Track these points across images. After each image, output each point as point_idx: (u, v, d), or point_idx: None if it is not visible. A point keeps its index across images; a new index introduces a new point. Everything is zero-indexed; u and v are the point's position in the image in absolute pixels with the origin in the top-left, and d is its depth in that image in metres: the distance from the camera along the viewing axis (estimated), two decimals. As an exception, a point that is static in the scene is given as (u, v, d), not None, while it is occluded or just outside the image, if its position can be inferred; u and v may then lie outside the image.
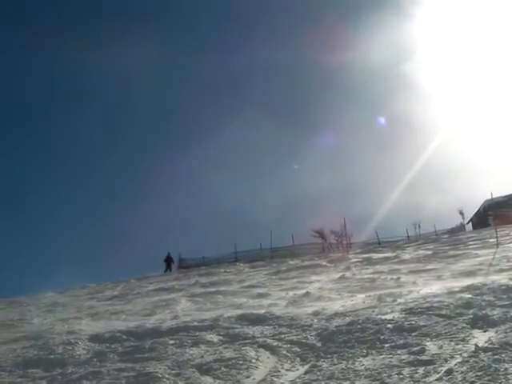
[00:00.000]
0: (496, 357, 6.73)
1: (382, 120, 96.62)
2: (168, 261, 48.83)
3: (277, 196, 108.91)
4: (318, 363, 7.84)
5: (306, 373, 7.52)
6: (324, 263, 23.01)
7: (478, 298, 10.40)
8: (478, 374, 6.26)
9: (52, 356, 9.86)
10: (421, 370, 6.77)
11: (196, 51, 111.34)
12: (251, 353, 8.66)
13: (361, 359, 7.68)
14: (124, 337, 10.95)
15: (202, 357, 8.78)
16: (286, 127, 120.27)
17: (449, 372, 6.53)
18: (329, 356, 8.14)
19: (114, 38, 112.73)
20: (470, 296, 10.73)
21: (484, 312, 9.23)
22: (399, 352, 7.73)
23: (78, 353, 9.98)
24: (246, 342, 9.51)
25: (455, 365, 6.76)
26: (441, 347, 7.68)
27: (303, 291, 15.14)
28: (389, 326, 9.19)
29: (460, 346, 7.59)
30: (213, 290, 18.03)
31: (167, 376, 7.76)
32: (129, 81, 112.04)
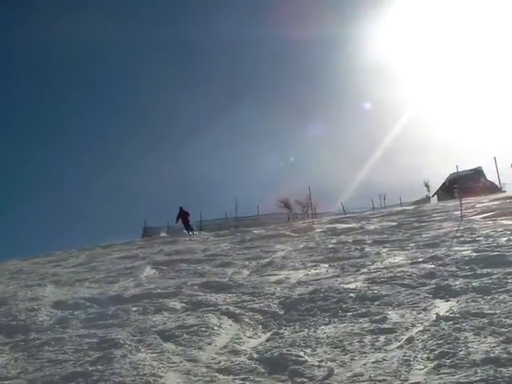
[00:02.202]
0: (457, 326, 6.79)
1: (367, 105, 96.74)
2: (183, 217, 38.33)
3: (245, 169, 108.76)
4: (280, 331, 7.87)
5: (267, 340, 7.55)
6: (288, 233, 23.02)
7: (441, 268, 10.45)
8: (439, 342, 6.30)
9: (14, 322, 9.81)
10: (382, 338, 6.83)
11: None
12: (214, 320, 8.67)
13: (323, 327, 7.72)
14: (87, 304, 10.94)
15: (164, 323, 8.81)
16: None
17: (409, 340, 6.58)
18: (291, 324, 8.17)
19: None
20: (432, 266, 10.78)
21: (446, 282, 9.28)
22: (361, 320, 7.78)
23: (40, 319, 9.95)
24: (209, 309, 9.52)
25: (416, 333, 6.82)
26: (402, 316, 7.73)
27: (267, 260, 15.14)
28: (351, 294, 9.21)
29: (421, 315, 7.65)
30: (177, 258, 17.95)
31: (129, 342, 7.75)
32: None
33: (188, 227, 37.73)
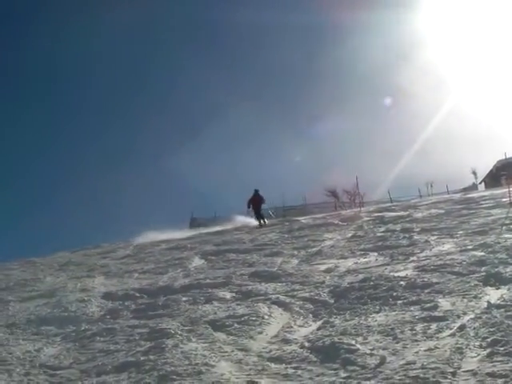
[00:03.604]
0: (508, 313, 6.76)
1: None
2: (255, 203, 31.74)
3: (291, 159, 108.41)
4: (331, 319, 7.91)
5: (318, 329, 7.60)
6: (336, 222, 22.88)
7: (491, 255, 10.37)
8: (491, 329, 6.29)
9: (65, 313, 10.00)
10: (434, 326, 6.83)
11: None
12: (264, 309, 8.74)
13: (374, 315, 7.75)
14: (137, 294, 11.06)
15: (215, 313, 8.90)
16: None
17: (461, 328, 6.57)
18: (341, 312, 8.21)
19: None
20: (482, 254, 10.71)
21: (496, 270, 9.22)
22: (412, 308, 7.79)
23: (91, 310, 10.12)
24: (259, 298, 9.60)
25: (468, 321, 6.81)
26: (453, 304, 7.71)
27: (316, 249, 15.16)
28: (401, 283, 9.21)
29: (472, 303, 7.63)
30: (225, 248, 18.05)
31: (180, 332, 7.86)
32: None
33: (259, 215, 31.70)
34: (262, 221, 30.62)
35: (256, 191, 32.31)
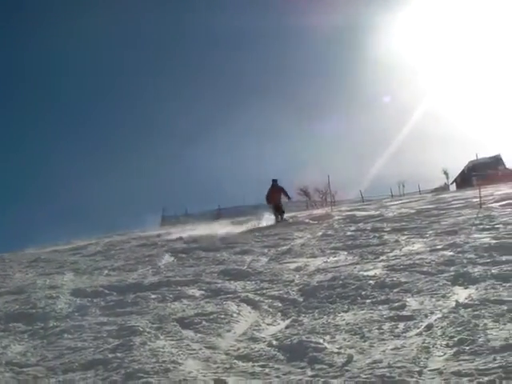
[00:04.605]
0: (476, 313, 6.80)
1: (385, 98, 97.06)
2: (274, 197, 27.01)
3: (264, 158, 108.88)
4: (299, 318, 7.91)
5: (286, 327, 7.59)
6: (307, 220, 22.96)
7: (460, 255, 10.42)
8: (458, 329, 6.31)
9: (34, 310, 9.86)
10: (401, 325, 6.85)
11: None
12: (233, 307, 8.73)
13: (342, 314, 7.75)
14: (106, 291, 10.97)
15: (183, 311, 8.84)
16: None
17: (429, 327, 6.59)
18: (310, 311, 8.20)
19: None
20: (451, 254, 10.76)
21: (465, 269, 9.27)
22: (380, 307, 7.80)
23: (59, 307, 9.99)
24: (228, 296, 9.58)
25: (435, 320, 6.83)
26: (422, 303, 7.74)
27: (286, 247, 15.16)
28: (370, 282, 9.24)
29: (441, 302, 7.66)
30: (195, 245, 18.00)
31: (148, 330, 7.80)
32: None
33: (278, 209, 26.83)
34: (280, 216, 26.30)
35: (274, 181, 27.54)
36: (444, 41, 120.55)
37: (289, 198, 28.54)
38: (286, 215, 27.19)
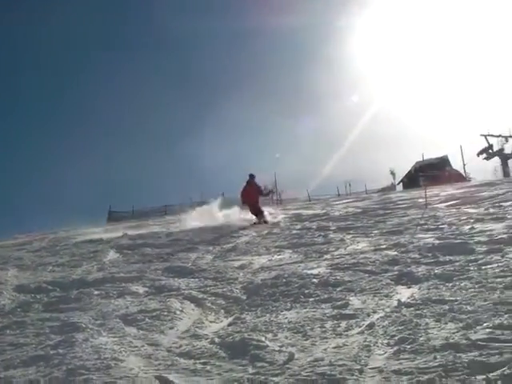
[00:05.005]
0: (417, 312, 6.83)
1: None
2: (248, 195, 23.56)
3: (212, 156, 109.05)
4: (242, 316, 7.85)
5: (229, 325, 7.53)
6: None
7: (404, 255, 10.53)
8: (399, 328, 6.33)
9: (-25, 306, 9.68)
10: (343, 324, 6.84)
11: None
12: (176, 304, 8.66)
13: (284, 312, 7.73)
14: (50, 287, 10.85)
15: (126, 308, 8.77)
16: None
17: (370, 326, 6.59)
18: (253, 309, 8.17)
19: None
20: (395, 253, 10.87)
21: (409, 269, 9.35)
22: (323, 306, 7.80)
23: (2, 303, 9.88)
24: (172, 293, 9.51)
25: (377, 319, 6.83)
26: (364, 302, 7.76)
27: (231, 245, 15.20)
28: (314, 280, 9.25)
29: (383, 302, 7.68)
30: (141, 242, 17.92)
31: (91, 326, 7.69)
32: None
33: (255, 210, 23.30)
34: (259, 217, 22.86)
35: (251, 177, 24.07)
36: (395, 45, 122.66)
37: (263, 195, 25.72)
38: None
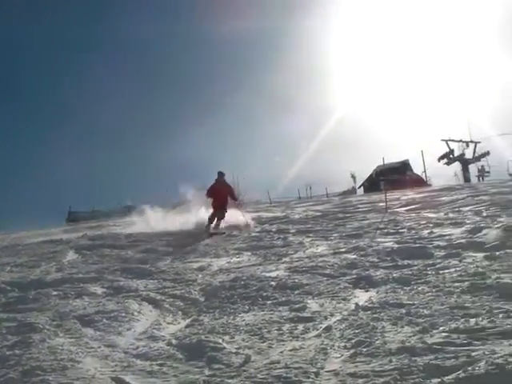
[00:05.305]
0: (375, 315, 6.87)
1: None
2: (219, 196, 20.79)
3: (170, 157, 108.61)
4: (200, 318, 7.85)
5: (187, 326, 7.53)
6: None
7: (363, 259, 10.61)
8: (356, 331, 6.35)
9: None
10: (300, 327, 6.86)
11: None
12: (134, 306, 8.62)
13: (242, 315, 7.74)
14: (8, 288, 10.71)
15: (84, 308, 8.70)
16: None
17: (327, 329, 6.62)
18: (211, 311, 8.16)
19: None
20: (354, 257, 10.94)
21: (367, 272, 9.43)
22: (281, 309, 7.81)
23: (-42, 303, 9.69)
24: (130, 295, 9.46)
25: (334, 322, 6.86)
26: (322, 305, 7.79)
27: (190, 247, 15.16)
28: (272, 283, 9.27)
29: (341, 305, 7.72)
30: (100, 243, 17.80)
31: (48, 327, 7.62)
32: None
33: (220, 213, 20.61)
34: (216, 221, 20.31)
35: (220, 175, 21.47)
36: (358, 49, 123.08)
37: (235, 200, 23.08)
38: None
